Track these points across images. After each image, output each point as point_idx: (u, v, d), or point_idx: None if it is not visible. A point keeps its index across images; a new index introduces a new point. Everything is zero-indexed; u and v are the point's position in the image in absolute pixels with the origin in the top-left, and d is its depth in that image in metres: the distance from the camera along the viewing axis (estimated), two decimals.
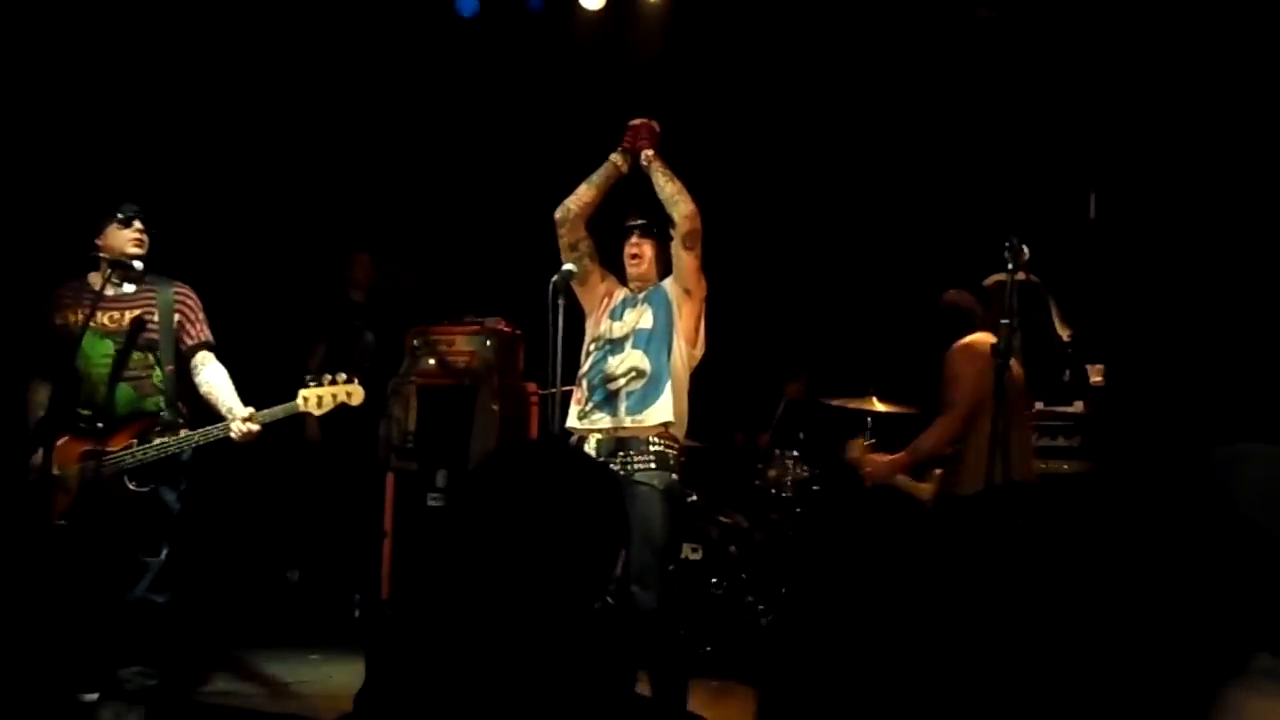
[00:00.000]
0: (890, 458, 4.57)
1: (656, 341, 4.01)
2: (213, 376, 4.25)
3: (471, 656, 1.38)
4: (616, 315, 4.13)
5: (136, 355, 4.17)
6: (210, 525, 5.16)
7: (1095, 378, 5.25)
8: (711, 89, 6.45)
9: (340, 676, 4.97)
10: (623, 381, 3.99)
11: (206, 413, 4.24)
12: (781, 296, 6.84)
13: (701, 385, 4.16)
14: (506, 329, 6.14)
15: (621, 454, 3.92)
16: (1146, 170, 5.73)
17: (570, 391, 4.13)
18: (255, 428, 4.10)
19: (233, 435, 4.10)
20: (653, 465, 3.90)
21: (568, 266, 4.06)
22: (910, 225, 6.45)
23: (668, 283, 4.11)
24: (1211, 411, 4.90)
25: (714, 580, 5.52)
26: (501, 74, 6.61)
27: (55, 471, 4.05)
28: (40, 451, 4.06)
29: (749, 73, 6.46)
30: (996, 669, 1.13)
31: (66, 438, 4.08)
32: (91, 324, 4.08)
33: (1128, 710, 1.11)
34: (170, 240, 4.39)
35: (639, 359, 4.00)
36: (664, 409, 3.94)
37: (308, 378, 4.20)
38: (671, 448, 3.96)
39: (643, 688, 3.68)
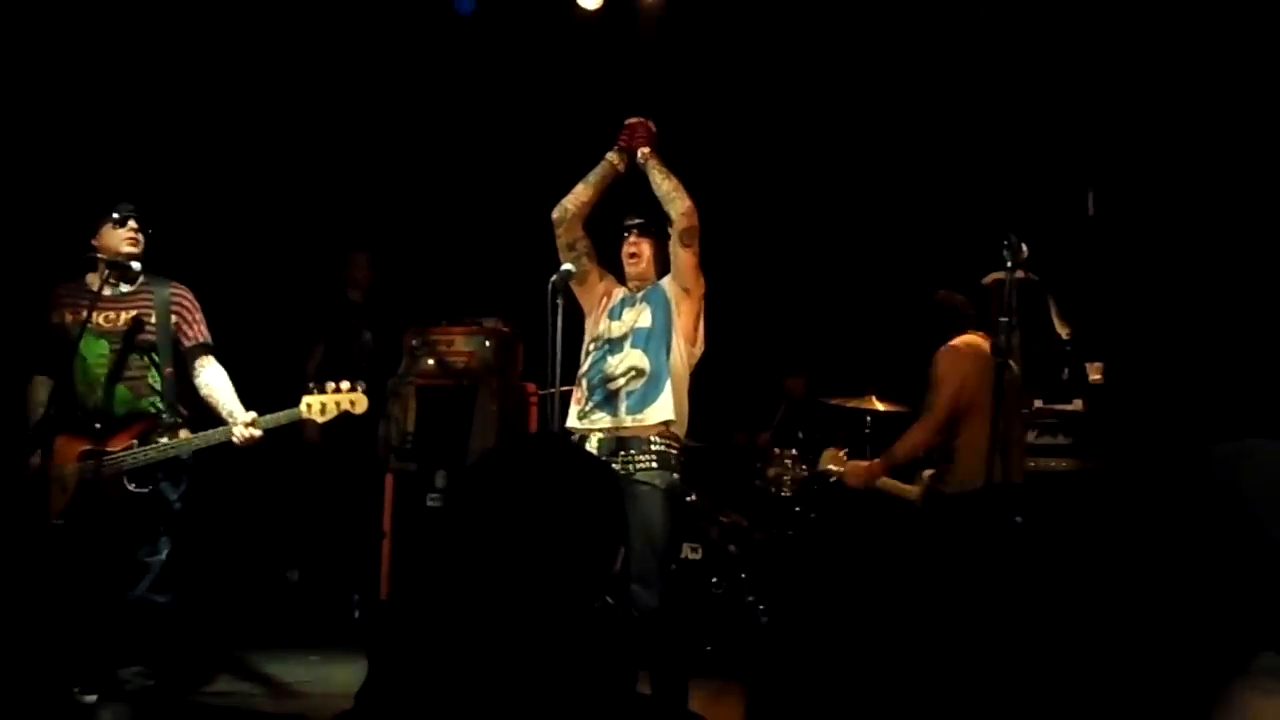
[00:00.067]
0: (867, 464, 4.58)
1: (655, 340, 4.00)
2: (213, 379, 4.25)
3: (472, 655, 1.37)
4: (615, 315, 4.13)
5: (134, 356, 4.16)
6: (210, 526, 5.15)
7: (1094, 375, 5.25)
8: (710, 88, 6.45)
9: (340, 677, 4.97)
10: (622, 381, 3.99)
11: (207, 414, 4.23)
12: (781, 295, 6.83)
13: (701, 384, 4.16)
14: (505, 329, 6.13)
15: (622, 453, 3.92)
16: (1145, 168, 5.73)
17: (570, 391, 4.13)
18: (257, 433, 4.10)
19: (234, 440, 4.10)
20: (654, 464, 3.90)
21: (566, 266, 4.06)
22: (909, 223, 6.45)
23: (666, 281, 4.10)
24: (1211, 409, 4.90)
25: (714, 580, 5.52)
26: (499, 74, 6.61)
27: (53, 471, 4.05)
28: (38, 451, 4.06)
29: (748, 71, 6.46)
30: (990, 668, 1.13)
31: (65, 437, 4.07)
32: (89, 324, 4.08)
33: (1131, 709, 1.10)
34: (168, 240, 4.38)
35: (638, 358, 4.00)
36: (664, 408, 3.93)
37: (311, 385, 4.20)
38: (673, 447, 3.96)
39: (643, 687, 3.68)
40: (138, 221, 4.21)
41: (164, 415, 4.17)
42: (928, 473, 4.46)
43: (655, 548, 3.85)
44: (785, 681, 1.21)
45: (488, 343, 6.04)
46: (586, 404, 4.04)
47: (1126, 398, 5.15)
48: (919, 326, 4.57)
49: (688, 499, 5.23)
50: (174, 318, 4.23)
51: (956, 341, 4.39)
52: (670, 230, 4.04)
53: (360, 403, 4.18)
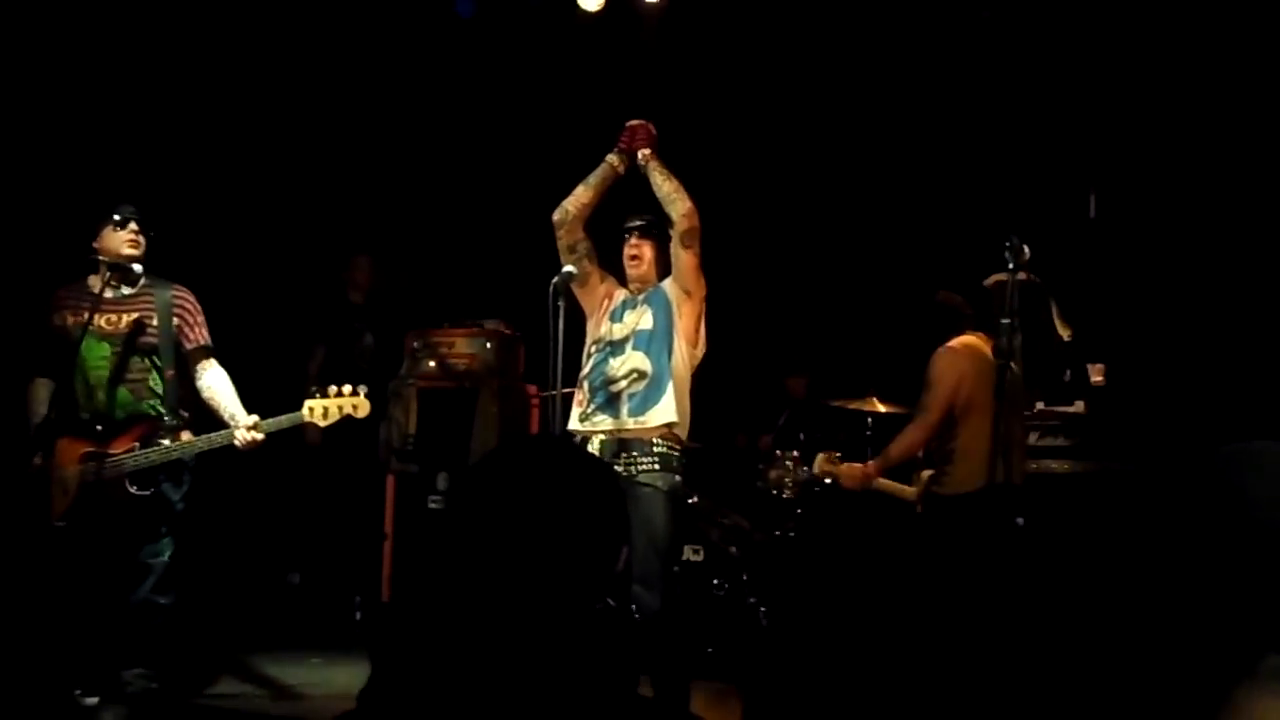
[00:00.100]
0: (862, 466, 4.58)
1: (657, 342, 4.00)
2: (215, 382, 4.24)
3: (473, 657, 1.37)
4: (617, 317, 4.13)
5: (135, 359, 4.16)
6: (211, 528, 5.15)
7: (1096, 377, 5.25)
8: (712, 89, 6.45)
9: (341, 678, 4.96)
10: (624, 383, 3.99)
11: (208, 417, 4.23)
12: (782, 297, 6.83)
13: (702, 386, 4.16)
14: (507, 331, 6.13)
15: (624, 455, 3.92)
16: (1146, 170, 5.74)
17: (571, 393, 4.13)
18: (259, 436, 4.10)
19: (236, 443, 4.09)
20: (656, 466, 3.90)
21: (567, 268, 4.06)
22: (911, 225, 6.45)
23: (667, 283, 4.10)
24: (1213, 411, 4.90)
25: (715, 582, 5.51)
26: (500, 76, 6.61)
27: (54, 473, 4.05)
28: (40, 453, 4.06)
29: (749, 73, 6.46)
30: (992, 672, 1.13)
31: (66, 440, 4.07)
32: (90, 327, 4.08)
33: (1137, 711, 1.10)
34: (169, 242, 4.38)
35: (640, 360, 3.99)
36: (666, 410, 3.93)
37: (314, 389, 4.19)
38: (674, 449, 3.96)
39: (644, 689, 3.68)
40: (139, 224, 4.20)
41: (165, 418, 4.16)
42: (926, 473, 4.45)
43: (657, 549, 3.85)
44: (781, 685, 1.21)
45: (489, 345, 6.04)
46: (588, 406, 4.04)
47: (1128, 400, 5.14)
48: (918, 327, 4.57)
49: (689, 501, 5.22)
50: (176, 320, 4.23)
51: (953, 342, 4.39)
52: (671, 232, 4.04)
53: (362, 407, 4.19)
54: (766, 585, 5.51)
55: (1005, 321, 3.67)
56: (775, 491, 5.84)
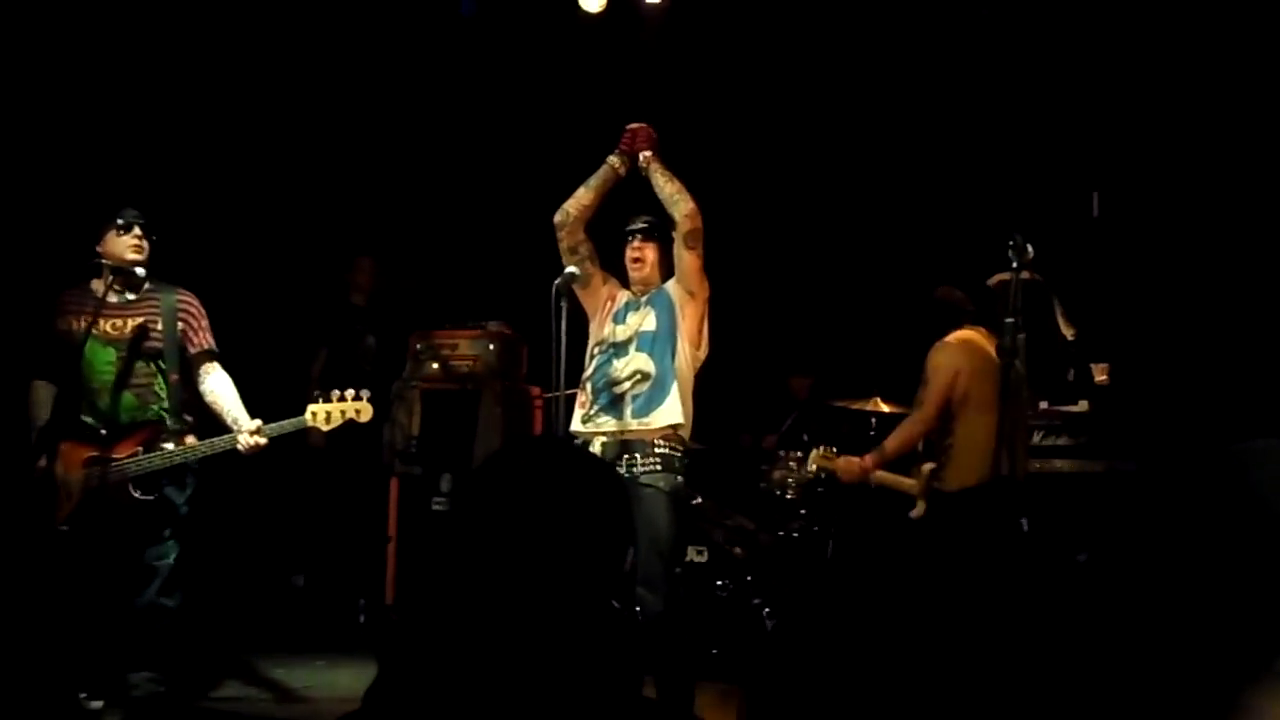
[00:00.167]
0: (859, 459, 4.58)
1: (660, 344, 4.00)
2: (218, 386, 4.24)
3: (477, 659, 1.37)
4: (619, 318, 4.13)
5: (140, 363, 4.16)
6: (216, 531, 5.15)
7: (1100, 377, 5.24)
8: (713, 90, 6.45)
9: (346, 681, 4.96)
10: (627, 385, 3.98)
11: (212, 421, 4.23)
12: (786, 297, 6.83)
13: (706, 387, 4.16)
14: (509, 332, 6.13)
15: (627, 457, 3.92)
16: (1149, 169, 5.72)
17: (574, 395, 4.13)
18: (262, 440, 4.10)
19: (239, 447, 4.10)
20: (657, 467, 3.90)
21: (570, 269, 4.06)
22: (914, 225, 6.45)
23: (670, 284, 4.10)
24: (1217, 410, 4.89)
25: (720, 583, 5.51)
26: (501, 77, 6.61)
27: (58, 477, 4.05)
28: (44, 457, 4.06)
29: (751, 74, 6.46)
30: (999, 670, 1.12)
31: (70, 444, 4.07)
32: (94, 331, 4.08)
33: (1149, 711, 1.10)
34: (172, 245, 4.38)
35: (643, 362, 3.99)
36: (669, 411, 3.94)
37: (317, 393, 4.19)
38: (677, 450, 3.96)
39: (648, 690, 3.67)
40: (142, 228, 4.20)
41: (169, 422, 4.16)
42: (927, 466, 4.45)
43: (660, 551, 3.85)
44: (783, 685, 1.21)
45: (492, 346, 6.04)
46: (591, 408, 4.04)
47: (1132, 399, 5.13)
48: (918, 322, 4.58)
49: (693, 502, 5.22)
50: (180, 325, 4.23)
51: (950, 337, 4.41)
52: (674, 233, 4.04)
53: (365, 411, 4.19)
54: (770, 586, 5.51)
55: (1009, 320, 3.66)
56: (778, 492, 5.85)
